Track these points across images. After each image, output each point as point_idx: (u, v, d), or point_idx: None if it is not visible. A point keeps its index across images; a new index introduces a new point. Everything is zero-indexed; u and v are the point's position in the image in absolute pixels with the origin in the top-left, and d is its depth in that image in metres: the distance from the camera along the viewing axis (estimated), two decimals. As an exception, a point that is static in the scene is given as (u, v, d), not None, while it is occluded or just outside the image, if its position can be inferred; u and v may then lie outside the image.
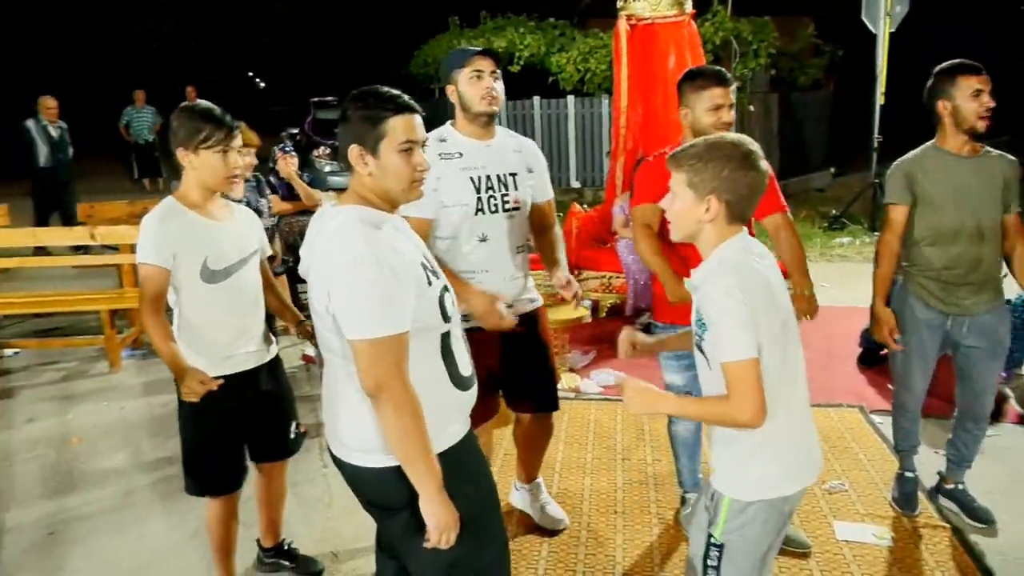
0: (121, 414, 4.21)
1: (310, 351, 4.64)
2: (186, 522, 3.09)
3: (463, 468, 1.76)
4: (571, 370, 4.45)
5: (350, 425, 1.70)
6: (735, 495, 1.71)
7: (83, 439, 3.90)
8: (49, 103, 8.51)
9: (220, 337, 2.27)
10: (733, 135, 1.71)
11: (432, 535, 1.62)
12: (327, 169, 10.57)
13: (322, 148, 10.19)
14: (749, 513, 1.70)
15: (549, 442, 2.95)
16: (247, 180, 5.31)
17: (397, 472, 1.63)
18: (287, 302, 2.61)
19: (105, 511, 3.24)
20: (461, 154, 2.42)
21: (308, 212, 5.58)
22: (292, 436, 2.57)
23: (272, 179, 5.30)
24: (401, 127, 1.65)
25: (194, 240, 2.21)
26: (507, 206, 2.48)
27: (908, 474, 2.97)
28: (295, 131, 12.11)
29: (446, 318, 1.70)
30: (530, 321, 2.60)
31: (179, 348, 2.19)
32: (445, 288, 1.72)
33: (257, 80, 39.28)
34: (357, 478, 1.74)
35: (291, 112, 19.08)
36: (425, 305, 1.63)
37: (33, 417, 4.17)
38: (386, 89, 1.69)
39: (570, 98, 11.35)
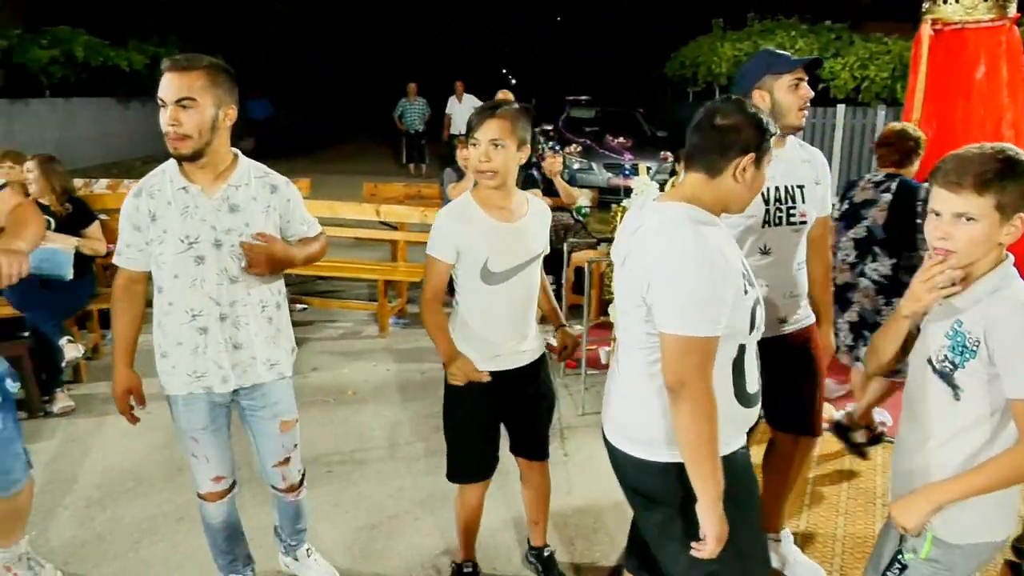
0: (387, 375, 4.67)
1: (553, 341, 4.80)
2: (440, 484, 3.34)
3: (737, 478, 1.72)
4: (825, 400, 4.14)
5: (638, 416, 1.74)
6: (943, 535, 1.63)
7: (356, 392, 4.39)
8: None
9: (492, 335, 2.29)
10: (999, 144, 1.58)
11: (709, 544, 1.61)
12: (576, 166, 10.88)
13: (573, 145, 10.50)
14: (953, 556, 1.63)
15: (799, 474, 2.78)
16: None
17: (675, 469, 1.65)
18: (555, 305, 2.58)
19: (373, 460, 3.62)
20: None
21: (563, 208, 5.79)
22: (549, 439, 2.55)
23: (534, 173, 5.54)
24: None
25: (478, 240, 2.21)
26: (792, 219, 2.38)
27: None
28: (549, 128, 12.57)
29: (752, 329, 1.69)
30: (802, 339, 2.49)
31: (452, 336, 2.28)
32: (758, 300, 1.70)
33: (510, 77, 41.28)
34: (630, 468, 1.78)
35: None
36: (737, 312, 1.62)
37: (317, 367, 4.77)
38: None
39: (840, 107, 10.55)
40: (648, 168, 6.68)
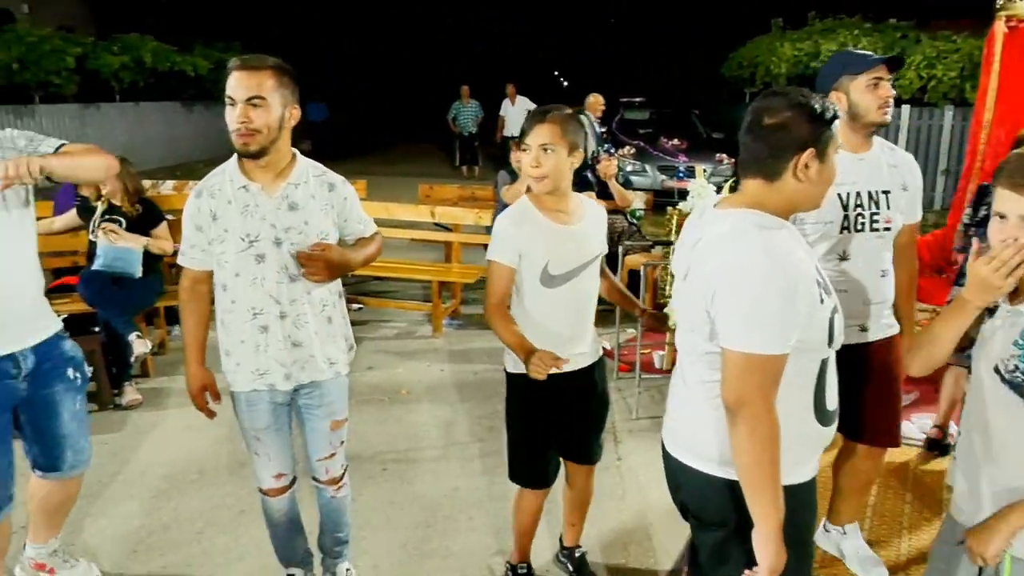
0: (441, 375, 4.71)
1: (607, 345, 4.76)
2: (495, 485, 3.37)
3: (805, 508, 1.66)
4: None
5: (692, 426, 1.67)
6: (1021, 553, 1.56)
7: (410, 392, 4.44)
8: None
9: (551, 338, 2.25)
10: None
11: (761, 574, 1.52)
12: (629, 168, 10.79)
13: (627, 148, 10.42)
14: None
15: (871, 479, 2.74)
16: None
17: (726, 485, 1.58)
18: (628, 293, 2.60)
19: (427, 460, 3.65)
20: None
21: (617, 211, 5.75)
22: (599, 444, 2.54)
23: (588, 175, 5.52)
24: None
25: (538, 244, 2.22)
26: (876, 225, 2.32)
27: None
28: (602, 130, 12.49)
29: (831, 342, 1.57)
30: (886, 349, 2.42)
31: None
32: (835, 308, 1.57)
33: (561, 79, 41.11)
34: (682, 477, 1.71)
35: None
36: (813, 325, 1.50)
37: (372, 365, 4.84)
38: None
39: (905, 108, 10.23)
40: (704, 170, 6.60)
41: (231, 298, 2.21)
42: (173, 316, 5.44)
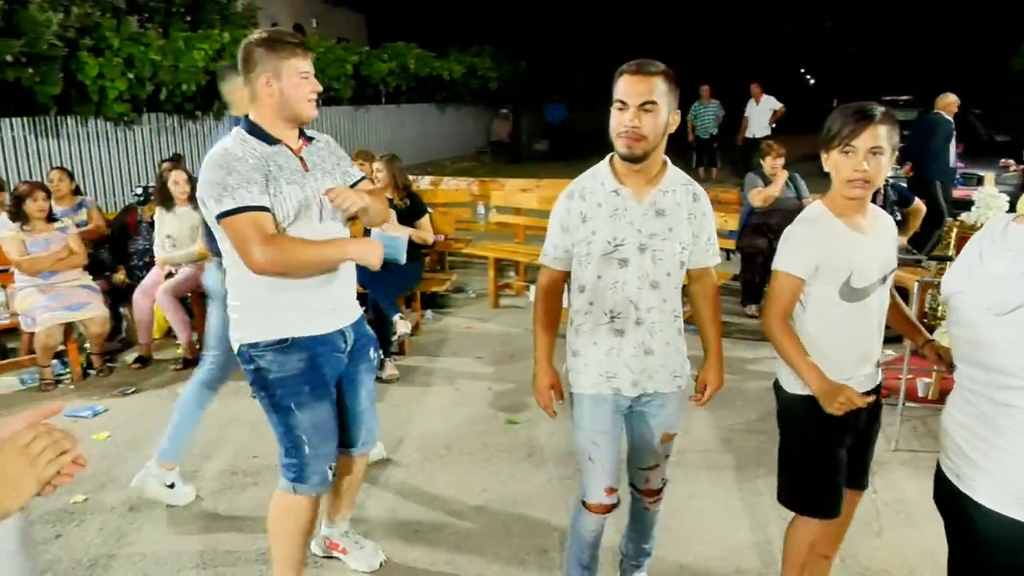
0: (676, 380, 4.64)
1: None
2: (733, 499, 3.26)
3: None
4: None
5: None
6: None
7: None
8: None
9: (844, 356, 2.10)
10: None
11: None
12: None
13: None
14: None
15: None
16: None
17: None
18: (915, 320, 2.34)
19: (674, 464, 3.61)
20: None
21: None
22: (870, 467, 2.35)
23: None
24: None
25: (841, 254, 2.06)
26: None
27: None
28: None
29: None
30: None
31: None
32: None
33: (807, 76, 38.39)
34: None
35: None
36: None
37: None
38: None
39: None
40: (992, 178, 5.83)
41: (589, 299, 2.20)
42: (428, 301, 5.93)
